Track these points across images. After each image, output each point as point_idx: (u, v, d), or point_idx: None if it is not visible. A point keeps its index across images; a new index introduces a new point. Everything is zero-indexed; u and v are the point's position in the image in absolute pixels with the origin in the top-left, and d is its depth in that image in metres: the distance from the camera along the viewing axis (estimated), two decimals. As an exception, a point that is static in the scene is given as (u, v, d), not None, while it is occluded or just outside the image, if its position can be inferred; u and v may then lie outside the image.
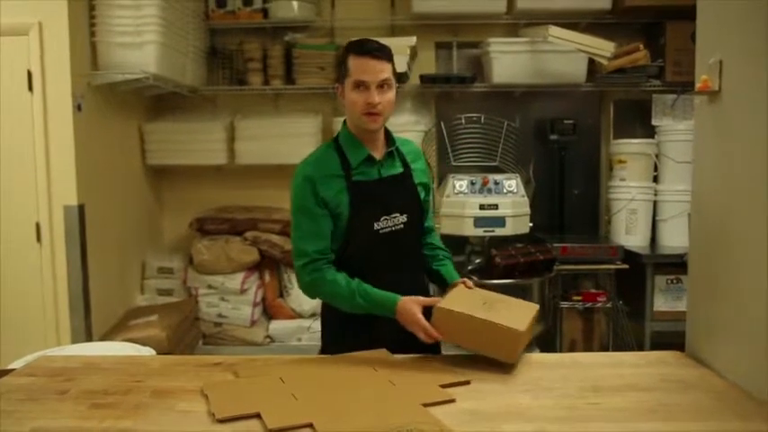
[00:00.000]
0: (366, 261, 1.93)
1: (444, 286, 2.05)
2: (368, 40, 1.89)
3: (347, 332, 1.95)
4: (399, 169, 2.01)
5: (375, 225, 1.92)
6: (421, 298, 1.84)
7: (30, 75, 3.33)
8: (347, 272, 1.91)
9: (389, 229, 1.93)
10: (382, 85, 1.86)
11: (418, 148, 2.14)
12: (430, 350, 1.88)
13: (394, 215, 1.94)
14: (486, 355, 1.75)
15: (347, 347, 1.88)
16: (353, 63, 1.86)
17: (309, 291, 1.94)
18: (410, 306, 1.81)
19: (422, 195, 2.04)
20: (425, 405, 1.48)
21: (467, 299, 1.86)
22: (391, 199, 1.95)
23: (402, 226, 1.95)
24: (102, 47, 3.60)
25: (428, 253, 2.12)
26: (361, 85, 1.85)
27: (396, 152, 2.01)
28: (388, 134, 2.01)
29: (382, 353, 1.86)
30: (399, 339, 1.84)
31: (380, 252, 1.94)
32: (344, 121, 2.00)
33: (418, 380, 1.64)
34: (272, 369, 1.74)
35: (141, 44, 3.58)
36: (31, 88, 3.33)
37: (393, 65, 1.90)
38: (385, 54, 1.87)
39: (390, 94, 1.88)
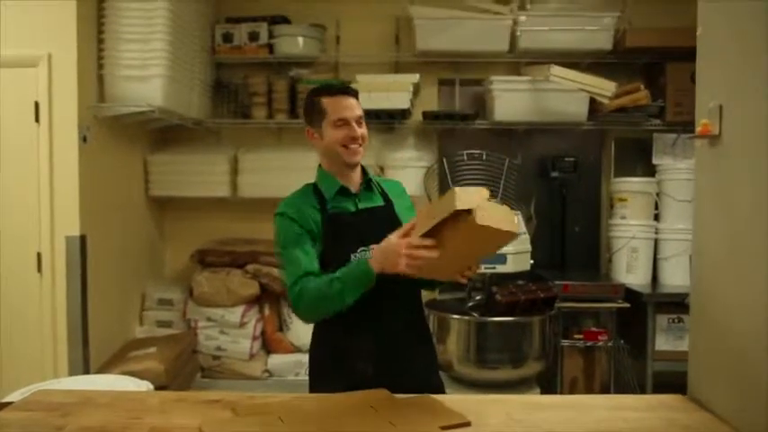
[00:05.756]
0: None
1: (434, 283, 2.10)
2: (331, 81, 1.98)
3: (332, 371, 1.97)
4: (379, 202, 2.05)
5: (353, 257, 1.92)
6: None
7: (37, 106, 3.36)
8: None
9: None
10: (358, 121, 1.97)
11: (402, 187, 2.18)
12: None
13: (372, 247, 1.88)
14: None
15: (333, 385, 1.88)
16: (329, 104, 1.96)
17: (299, 306, 1.89)
18: (381, 244, 1.77)
19: None
20: (425, 447, 1.47)
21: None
22: (369, 231, 1.94)
23: None
24: (108, 79, 3.64)
25: None
26: (342, 122, 1.94)
27: (375, 187, 2.07)
28: (364, 171, 2.07)
29: (382, 392, 1.85)
30: (381, 377, 1.86)
31: None
32: (319, 165, 2.06)
33: (419, 421, 1.61)
34: (271, 408, 1.72)
35: (148, 77, 3.62)
36: (37, 119, 3.36)
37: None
38: (355, 93, 2.01)
39: (365, 129, 1.99)
